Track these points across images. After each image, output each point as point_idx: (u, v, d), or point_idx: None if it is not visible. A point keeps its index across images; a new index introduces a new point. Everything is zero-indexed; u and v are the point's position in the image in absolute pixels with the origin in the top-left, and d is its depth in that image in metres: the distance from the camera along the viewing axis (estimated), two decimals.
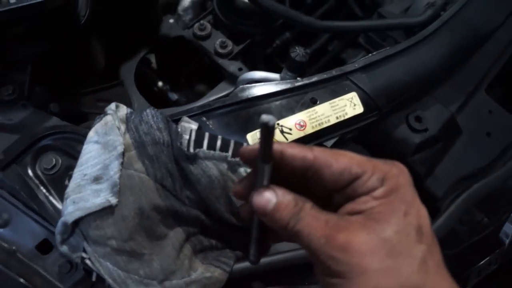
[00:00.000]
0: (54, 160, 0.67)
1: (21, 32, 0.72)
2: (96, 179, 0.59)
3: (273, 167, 0.48)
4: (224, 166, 0.61)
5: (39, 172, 0.66)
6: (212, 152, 0.61)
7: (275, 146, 0.48)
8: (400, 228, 0.45)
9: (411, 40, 0.81)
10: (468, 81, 0.88)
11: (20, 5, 0.60)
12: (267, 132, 0.43)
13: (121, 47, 1.05)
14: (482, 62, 0.90)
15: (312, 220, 0.46)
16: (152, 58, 1.26)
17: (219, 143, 0.61)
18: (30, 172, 0.66)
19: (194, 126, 0.64)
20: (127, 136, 0.61)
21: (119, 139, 0.60)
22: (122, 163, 0.59)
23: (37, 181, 0.66)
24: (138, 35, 1.08)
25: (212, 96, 1.00)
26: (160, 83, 1.23)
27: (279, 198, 0.47)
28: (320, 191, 0.51)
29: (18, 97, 0.75)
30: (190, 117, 0.65)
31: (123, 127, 0.62)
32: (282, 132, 0.67)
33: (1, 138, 0.70)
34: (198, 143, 0.61)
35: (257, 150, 0.47)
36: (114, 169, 0.58)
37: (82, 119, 0.89)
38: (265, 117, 0.41)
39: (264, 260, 0.63)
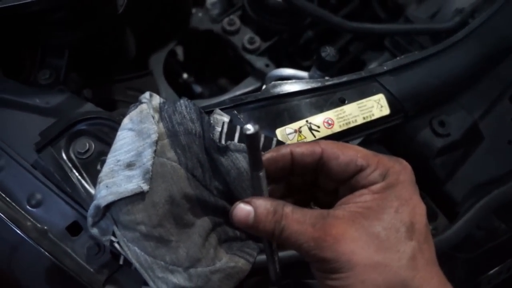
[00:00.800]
0: (87, 144, 0.68)
1: (62, 19, 0.74)
2: (129, 165, 0.60)
3: (266, 174, 0.49)
4: None
5: (72, 156, 0.68)
6: (242, 145, 0.62)
7: (284, 150, 0.51)
8: (389, 225, 0.46)
9: (440, 46, 0.81)
10: (493, 89, 0.89)
11: None
12: (252, 140, 0.44)
13: (152, 38, 1.06)
14: (508, 71, 0.90)
15: (298, 226, 0.47)
16: (178, 50, 1.28)
17: None
18: (64, 155, 0.67)
19: (226, 118, 0.65)
20: (161, 125, 0.62)
21: (153, 128, 0.61)
22: (155, 151, 0.60)
23: (70, 164, 0.67)
24: (169, 27, 1.10)
25: (239, 91, 1.02)
26: (185, 75, 1.25)
27: (256, 209, 0.49)
28: (328, 185, 0.53)
29: (54, 82, 0.76)
30: (222, 109, 0.67)
31: (156, 116, 0.63)
32: (310, 129, 0.68)
33: (38, 120, 0.72)
34: (230, 135, 0.62)
35: (266, 159, 0.50)
36: (147, 157, 0.60)
37: (111, 106, 0.91)
38: (247, 127, 0.42)
39: (285, 253, 0.64)
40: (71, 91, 0.77)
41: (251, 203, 0.49)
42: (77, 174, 0.67)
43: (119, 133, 0.63)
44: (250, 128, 0.42)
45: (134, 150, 0.61)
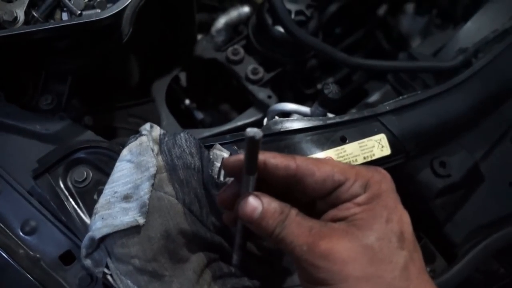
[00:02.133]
0: (85, 173, 0.67)
1: (67, 46, 0.74)
2: (126, 198, 0.60)
3: (257, 177, 0.48)
4: None
5: (69, 184, 0.67)
6: None
7: (258, 158, 0.49)
8: (382, 235, 0.46)
9: (443, 87, 0.81)
10: (495, 130, 0.88)
11: (72, 23, 0.62)
12: (253, 145, 0.43)
13: (155, 65, 1.07)
14: (510, 112, 0.90)
15: (296, 228, 0.47)
16: (181, 76, 1.28)
17: None
18: (61, 183, 0.67)
19: (225, 154, 0.65)
20: (160, 158, 0.62)
21: (152, 161, 0.61)
22: (153, 185, 0.60)
23: (67, 193, 0.67)
24: (173, 54, 1.10)
25: (240, 121, 1.01)
26: (187, 101, 1.25)
27: (265, 206, 0.48)
28: (304, 198, 0.51)
29: (56, 108, 0.76)
30: (222, 144, 0.66)
31: (156, 148, 0.63)
32: None
33: (37, 146, 0.72)
34: None
35: (240, 161, 0.48)
36: (145, 190, 0.59)
37: (112, 133, 0.91)
38: (250, 131, 0.41)
39: None
40: (72, 117, 0.76)
41: (260, 198, 0.48)
42: (73, 202, 0.67)
43: (117, 164, 0.63)
44: (255, 132, 0.42)
45: (131, 182, 0.61)
